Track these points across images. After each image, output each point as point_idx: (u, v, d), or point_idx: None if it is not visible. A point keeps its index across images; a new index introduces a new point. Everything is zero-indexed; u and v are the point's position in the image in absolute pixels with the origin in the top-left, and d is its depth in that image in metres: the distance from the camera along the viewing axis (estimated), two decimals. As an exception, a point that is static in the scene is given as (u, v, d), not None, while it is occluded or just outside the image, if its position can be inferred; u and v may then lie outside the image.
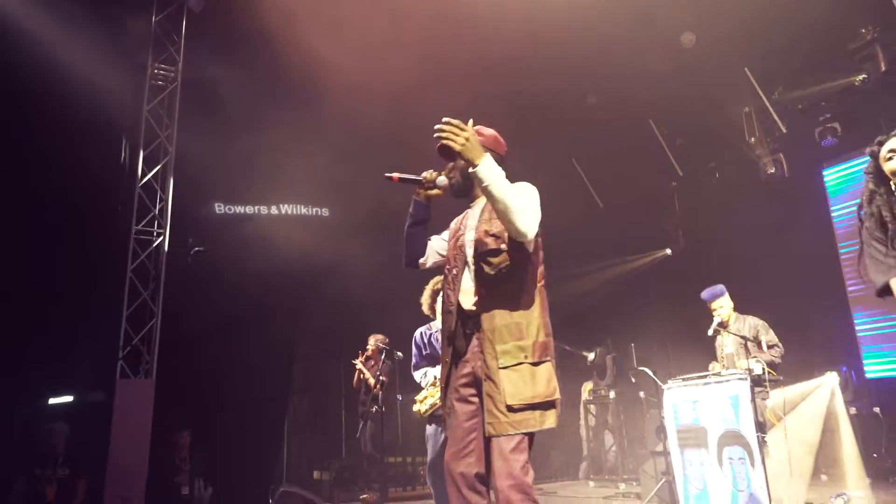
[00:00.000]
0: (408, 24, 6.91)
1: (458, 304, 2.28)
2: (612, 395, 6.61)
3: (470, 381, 2.21)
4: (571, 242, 8.86)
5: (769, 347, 4.78)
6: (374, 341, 6.48)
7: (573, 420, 8.07)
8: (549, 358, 2.16)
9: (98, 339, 6.92)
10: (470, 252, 2.29)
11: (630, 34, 7.11)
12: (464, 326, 2.28)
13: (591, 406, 7.22)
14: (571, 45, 7.03)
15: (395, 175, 2.42)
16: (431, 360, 4.62)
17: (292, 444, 9.04)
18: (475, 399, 2.19)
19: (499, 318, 2.14)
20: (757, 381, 4.44)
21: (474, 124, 2.24)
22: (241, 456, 7.47)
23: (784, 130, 7.57)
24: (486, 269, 2.20)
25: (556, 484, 7.25)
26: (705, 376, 4.58)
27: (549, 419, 2.11)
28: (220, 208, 10.06)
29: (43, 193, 6.82)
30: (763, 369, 4.53)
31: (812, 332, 7.22)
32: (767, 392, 4.64)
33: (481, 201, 2.35)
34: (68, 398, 8.80)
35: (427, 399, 4.42)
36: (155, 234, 6.76)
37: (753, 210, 7.77)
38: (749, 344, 4.83)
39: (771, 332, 4.87)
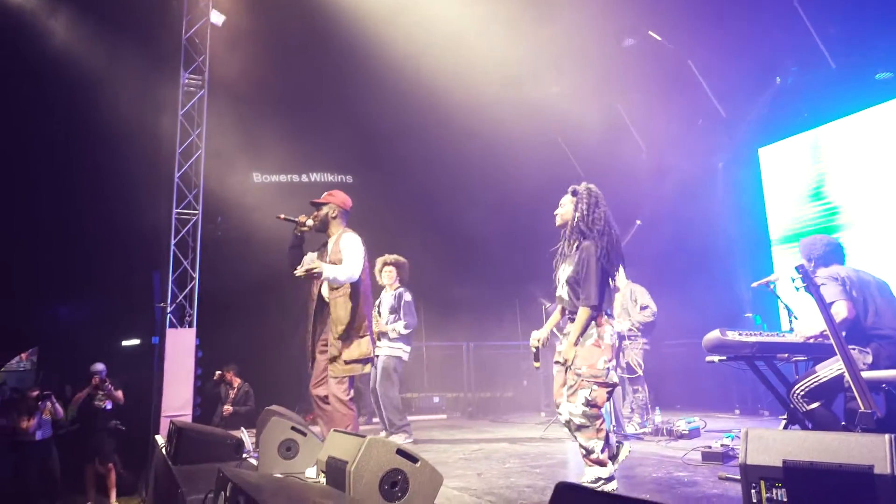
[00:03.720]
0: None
1: (320, 296, 3.82)
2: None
3: (325, 343, 3.76)
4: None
5: (642, 308, 6.11)
6: None
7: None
8: (367, 334, 3.68)
9: (154, 298, 8.85)
10: None
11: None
12: (323, 310, 3.83)
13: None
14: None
15: (282, 216, 3.97)
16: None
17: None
18: (326, 353, 3.74)
19: (338, 309, 3.68)
20: (620, 336, 5.81)
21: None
22: (269, 387, 9.36)
23: (724, 115, 8.54)
24: (329, 282, 3.74)
25: (518, 414, 8.83)
26: (585, 331, 5.96)
27: (367, 368, 3.69)
28: (257, 177, 11.84)
29: (112, 189, 8.75)
30: (631, 326, 5.91)
31: (740, 292, 8.41)
32: (638, 344, 6.00)
33: (334, 237, 3.85)
34: (136, 341, 10.99)
35: None
36: (191, 214, 8.50)
37: (707, 185, 8.93)
38: (629, 304, 6.16)
39: (647, 295, 6.17)
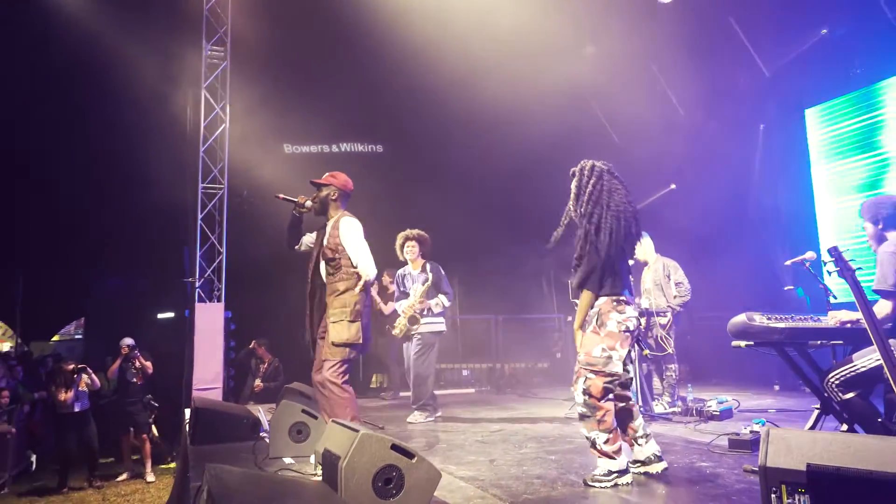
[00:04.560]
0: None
1: (318, 280, 3.69)
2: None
3: (325, 328, 3.64)
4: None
5: (677, 284, 5.82)
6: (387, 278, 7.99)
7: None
8: (359, 319, 3.54)
9: (183, 274, 8.95)
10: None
11: None
12: (320, 292, 3.70)
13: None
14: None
15: (281, 195, 3.83)
16: (402, 296, 6.07)
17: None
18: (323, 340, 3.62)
19: (334, 291, 3.54)
20: (649, 313, 5.57)
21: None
22: (299, 361, 9.42)
23: (767, 74, 8.00)
24: (327, 266, 3.60)
25: (549, 388, 8.67)
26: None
27: (353, 353, 3.55)
28: (288, 148, 11.80)
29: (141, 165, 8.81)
30: (668, 309, 5.67)
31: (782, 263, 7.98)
32: (666, 320, 5.73)
33: (332, 220, 3.70)
34: (171, 314, 11.20)
35: (398, 325, 5.92)
36: (217, 188, 8.48)
37: (748, 149, 8.44)
38: (662, 281, 5.87)
39: (680, 271, 5.87)
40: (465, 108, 10.13)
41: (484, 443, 4.43)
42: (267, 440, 4.49)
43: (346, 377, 3.53)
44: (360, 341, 3.55)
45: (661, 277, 5.84)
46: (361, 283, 3.54)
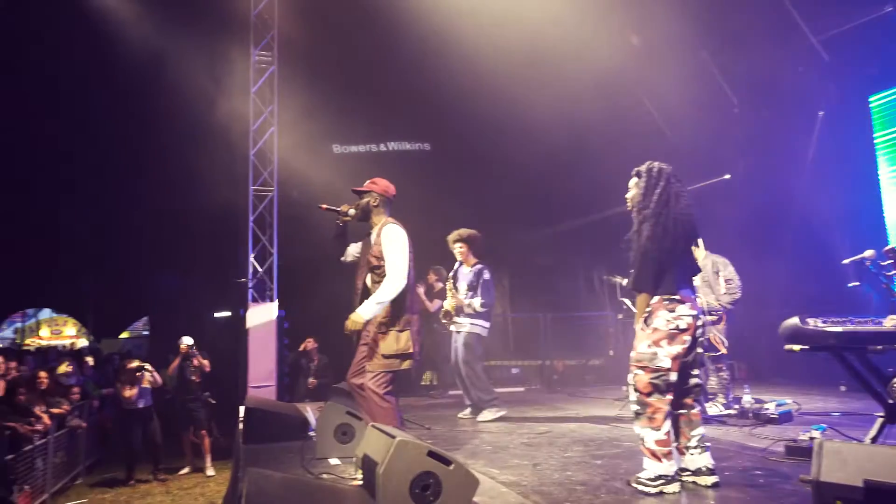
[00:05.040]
0: None
1: (364, 287, 3.68)
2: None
3: (369, 333, 3.62)
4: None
5: (726, 281, 5.61)
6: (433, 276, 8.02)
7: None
8: (408, 328, 3.51)
9: (237, 274, 9.22)
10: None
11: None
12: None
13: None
14: None
15: (324, 206, 3.84)
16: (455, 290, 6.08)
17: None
18: (367, 346, 3.61)
19: None
20: (702, 311, 5.38)
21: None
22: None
23: (826, 58, 7.61)
24: (372, 274, 3.59)
25: (600, 387, 8.51)
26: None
27: (405, 364, 3.51)
28: (337, 149, 11.98)
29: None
30: (719, 306, 5.49)
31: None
32: (718, 318, 5.55)
33: (376, 227, 3.68)
34: (228, 313, 11.54)
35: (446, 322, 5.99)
36: (268, 191, 8.68)
37: (807, 139, 8.06)
38: (711, 278, 5.67)
39: (730, 267, 5.66)
40: (512, 103, 10.02)
41: (529, 445, 4.39)
42: (315, 440, 4.56)
43: (389, 388, 3.50)
44: (411, 350, 3.53)
45: (709, 274, 5.65)
46: (384, 289, 3.46)
